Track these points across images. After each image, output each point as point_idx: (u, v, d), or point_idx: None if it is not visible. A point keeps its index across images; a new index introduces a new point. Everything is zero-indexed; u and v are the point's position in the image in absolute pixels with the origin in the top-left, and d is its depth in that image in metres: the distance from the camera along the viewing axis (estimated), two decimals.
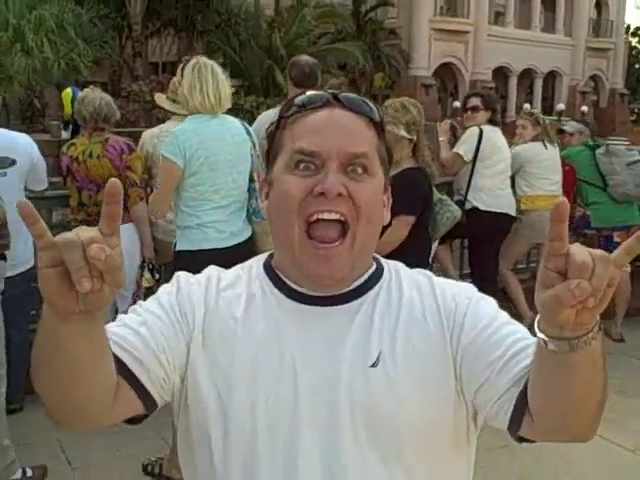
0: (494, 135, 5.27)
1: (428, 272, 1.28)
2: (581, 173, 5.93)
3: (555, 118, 22.40)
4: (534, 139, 5.62)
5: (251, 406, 1.14)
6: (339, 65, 31.45)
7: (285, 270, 1.21)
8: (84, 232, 0.86)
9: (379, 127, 1.20)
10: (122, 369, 1.09)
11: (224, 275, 1.25)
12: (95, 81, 18.89)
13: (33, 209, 0.85)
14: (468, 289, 1.25)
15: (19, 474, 3.46)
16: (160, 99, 4.51)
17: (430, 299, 1.21)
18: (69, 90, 17.03)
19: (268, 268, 1.24)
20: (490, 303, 1.22)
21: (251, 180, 3.71)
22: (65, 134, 15.68)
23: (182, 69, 3.69)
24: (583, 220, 5.91)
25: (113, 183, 0.87)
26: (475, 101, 5.32)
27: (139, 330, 1.13)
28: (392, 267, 1.28)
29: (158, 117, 7.50)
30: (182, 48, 30.88)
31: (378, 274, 1.24)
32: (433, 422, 1.16)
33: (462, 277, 5.48)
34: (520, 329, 1.16)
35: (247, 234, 3.73)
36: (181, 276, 1.25)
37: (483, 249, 5.39)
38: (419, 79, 37.14)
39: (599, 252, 0.88)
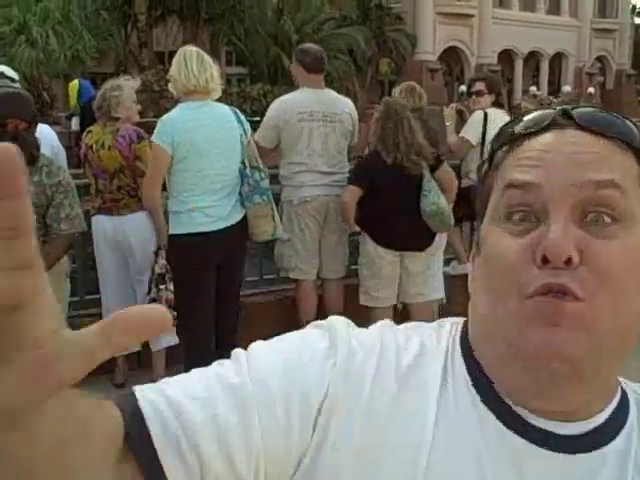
0: (500, 117, 5.29)
1: None
2: None
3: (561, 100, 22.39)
4: None
5: None
6: (347, 49, 31.42)
7: (487, 360, 0.78)
8: None
9: None
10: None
11: (402, 342, 0.81)
12: (101, 72, 18.94)
13: None
14: None
15: None
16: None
17: None
18: (76, 82, 17.01)
19: (466, 349, 0.81)
20: None
21: (243, 166, 3.82)
22: (74, 125, 15.75)
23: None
24: None
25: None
26: (479, 85, 5.42)
27: (218, 417, 0.69)
28: (631, 392, 0.84)
29: (166, 107, 7.59)
30: (187, 37, 30.89)
31: (625, 406, 0.81)
32: None
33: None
34: None
35: (237, 218, 3.84)
36: (339, 331, 0.80)
37: None
38: (425, 64, 37.00)
39: None
